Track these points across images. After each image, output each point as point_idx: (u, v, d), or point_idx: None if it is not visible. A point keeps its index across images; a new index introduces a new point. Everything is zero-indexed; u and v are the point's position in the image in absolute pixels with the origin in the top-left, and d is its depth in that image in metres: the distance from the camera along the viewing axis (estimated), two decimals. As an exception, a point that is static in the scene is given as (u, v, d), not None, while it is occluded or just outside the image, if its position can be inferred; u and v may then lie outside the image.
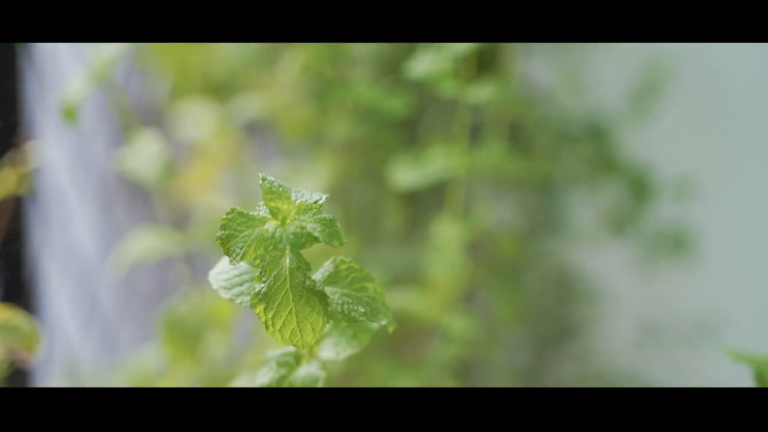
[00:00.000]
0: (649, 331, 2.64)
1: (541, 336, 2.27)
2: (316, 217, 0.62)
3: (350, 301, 0.65)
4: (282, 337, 0.62)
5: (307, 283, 0.62)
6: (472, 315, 1.22)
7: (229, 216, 0.61)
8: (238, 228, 0.61)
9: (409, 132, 1.49)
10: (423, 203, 1.47)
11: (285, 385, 0.67)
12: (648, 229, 1.80)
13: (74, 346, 1.70)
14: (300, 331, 0.62)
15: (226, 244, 0.61)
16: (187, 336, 1.22)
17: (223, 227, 0.61)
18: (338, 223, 0.62)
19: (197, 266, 1.40)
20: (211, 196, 1.46)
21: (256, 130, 1.63)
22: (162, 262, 1.57)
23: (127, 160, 1.25)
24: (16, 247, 1.51)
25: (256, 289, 0.62)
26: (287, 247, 0.60)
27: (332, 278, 0.66)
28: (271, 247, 0.61)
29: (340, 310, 0.64)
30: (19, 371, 1.49)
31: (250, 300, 0.62)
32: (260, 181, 0.63)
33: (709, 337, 2.58)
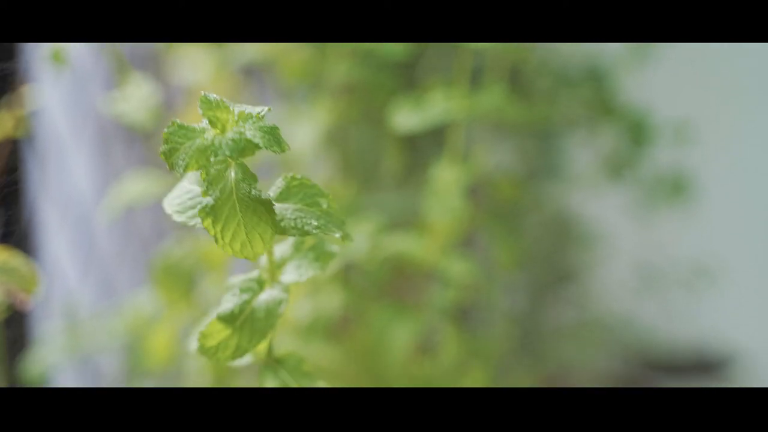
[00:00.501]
0: (647, 276, 2.65)
1: (539, 280, 2.28)
2: (256, 125, 0.61)
3: (303, 216, 0.64)
4: (232, 249, 0.61)
5: (253, 193, 0.61)
6: (470, 259, 1.21)
7: (170, 129, 0.60)
8: (179, 140, 0.60)
9: (409, 75, 1.48)
10: (422, 147, 1.47)
11: (248, 311, 0.67)
12: (646, 173, 1.80)
13: (72, 289, 1.70)
14: (250, 242, 0.61)
15: (170, 158, 0.60)
16: (181, 280, 1.22)
17: (165, 141, 0.60)
18: (279, 131, 0.61)
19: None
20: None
21: (254, 74, 1.62)
22: (159, 205, 1.57)
23: (117, 103, 1.24)
24: (13, 190, 1.51)
25: (203, 204, 0.62)
26: (227, 154, 0.59)
27: (284, 194, 0.66)
28: (212, 157, 0.60)
29: (293, 224, 0.63)
30: (17, 313, 1.49)
31: (198, 213, 0.62)
32: (199, 100, 0.62)
33: (706, 281, 2.59)
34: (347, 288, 1.21)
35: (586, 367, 2.35)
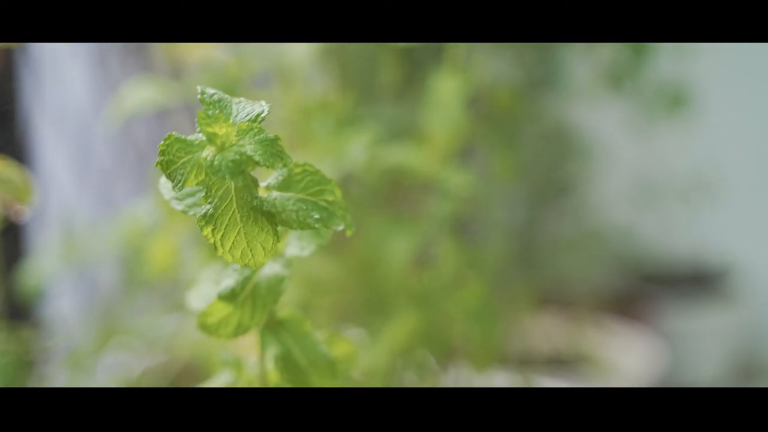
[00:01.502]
0: (645, 189, 2.65)
1: (537, 193, 2.28)
2: (257, 138, 0.59)
3: (305, 207, 0.62)
4: (233, 257, 0.60)
5: (255, 202, 0.60)
6: (469, 171, 1.21)
7: (167, 142, 0.59)
8: (177, 154, 0.59)
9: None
10: (420, 58, 1.45)
11: (249, 288, 0.66)
12: (646, 85, 1.78)
13: (69, 200, 1.70)
14: (251, 251, 0.60)
15: (167, 170, 0.59)
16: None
17: (162, 153, 0.59)
18: (281, 143, 0.59)
19: (194, 118, 1.39)
20: (208, 47, 1.44)
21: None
22: (158, 114, 1.56)
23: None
24: (7, 101, 1.50)
25: (203, 211, 0.60)
26: (227, 176, 0.58)
27: (286, 183, 0.63)
28: (211, 174, 0.59)
29: (294, 217, 0.62)
30: (13, 225, 1.48)
31: (197, 221, 0.60)
32: (198, 96, 0.60)
33: (704, 194, 2.58)
34: (346, 200, 1.21)
35: (584, 280, 2.36)
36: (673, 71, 1.75)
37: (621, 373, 2.05)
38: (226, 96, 0.62)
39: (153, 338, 1.43)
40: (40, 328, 1.51)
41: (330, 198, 0.63)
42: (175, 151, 0.59)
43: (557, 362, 2.11)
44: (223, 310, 0.66)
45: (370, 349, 1.17)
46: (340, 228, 0.63)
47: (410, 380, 1.26)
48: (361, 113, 1.31)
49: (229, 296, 0.66)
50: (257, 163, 0.58)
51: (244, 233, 0.60)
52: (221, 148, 0.59)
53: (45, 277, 1.31)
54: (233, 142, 0.59)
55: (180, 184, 0.59)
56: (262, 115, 0.60)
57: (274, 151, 0.59)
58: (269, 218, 0.60)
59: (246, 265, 0.61)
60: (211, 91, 0.61)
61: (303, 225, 0.62)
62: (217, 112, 0.60)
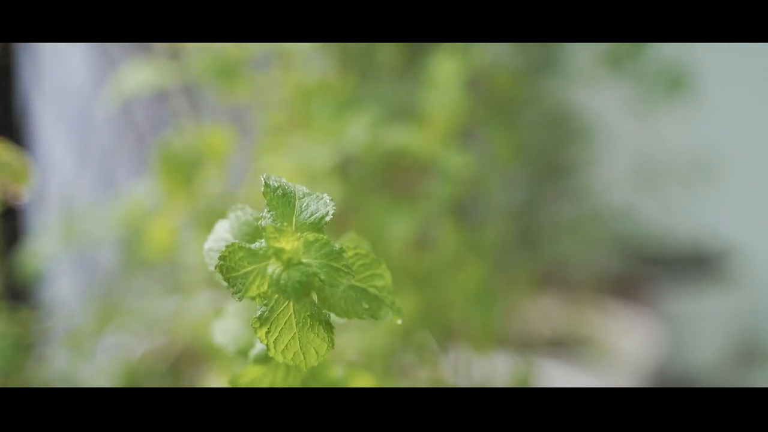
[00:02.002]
0: (646, 171, 2.64)
1: (537, 175, 2.27)
2: (322, 251, 0.58)
3: (354, 296, 0.61)
4: (284, 357, 0.59)
5: (313, 310, 0.59)
6: (469, 152, 1.21)
7: (230, 249, 0.58)
8: (239, 263, 0.58)
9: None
10: (420, 39, 1.45)
11: None
12: (647, 67, 1.78)
13: (69, 181, 1.70)
14: (303, 354, 0.59)
15: (228, 276, 0.58)
16: (181, 170, 1.21)
17: (222, 258, 0.58)
18: (344, 255, 0.58)
19: (194, 98, 1.38)
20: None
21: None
22: (157, 96, 1.55)
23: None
24: (4, 82, 1.49)
25: (258, 312, 0.59)
26: (291, 297, 0.57)
27: None
28: (276, 291, 0.58)
29: (343, 305, 0.61)
30: (12, 207, 1.48)
31: (252, 323, 0.59)
32: (262, 190, 0.59)
33: (705, 177, 2.58)
34: (346, 181, 1.20)
35: (584, 262, 2.36)
36: (674, 53, 1.75)
37: (621, 356, 2.05)
38: (290, 188, 0.60)
39: (152, 320, 1.43)
40: (39, 310, 1.51)
41: (380, 283, 0.62)
42: (237, 259, 0.58)
43: (557, 344, 2.11)
44: (257, 372, 0.66)
45: (369, 330, 1.17)
46: (388, 318, 0.62)
47: (410, 361, 1.26)
48: (360, 94, 1.31)
49: (264, 360, 0.65)
50: (322, 281, 0.58)
51: (299, 338, 0.59)
52: (287, 264, 0.58)
53: (44, 259, 1.31)
54: (299, 258, 0.58)
55: (241, 294, 0.58)
56: (327, 218, 0.59)
57: (339, 267, 0.58)
58: (326, 326, 0.59)
59: (297, 365, 0.60)
60: (275, 183, 0.60)
61: (350, 314, 0.61)
62: (281, 210, 0.59)
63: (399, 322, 0.63)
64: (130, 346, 1.43)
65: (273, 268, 0.58)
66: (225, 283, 0.58)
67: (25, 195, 0.97)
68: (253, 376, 0.66)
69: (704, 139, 2.63)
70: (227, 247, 0.58)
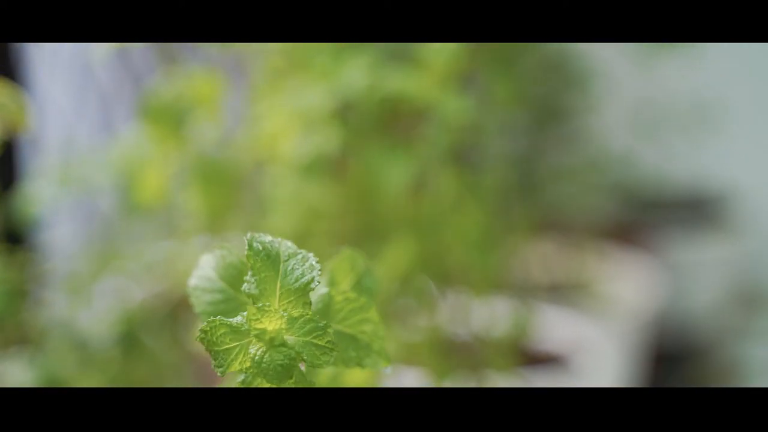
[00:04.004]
0: (645, 116, 2.63)
1: (537, 120, 2.26)
2: (307, 327, 0.57)
3: (343, 344, 0.61)
4: None
5: (296, 381, 0.59)
6: (468, 98, 1.20)
7: (211, 325, 0.57)
8: (221, 338, 0.57)
9: None
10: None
11: None
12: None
13: (67, 125, 1.69)
14: None
15: (209, 349, 0.57)
16: (170, 118, 1.20)
17: (203, 332, 0.57)
18: (331, 330, 0.57)
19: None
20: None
21: None
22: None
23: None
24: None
25: (240, 379, 0.59)
26: (273, 381, 0.57)
27: (324, 312, 0.62)
28: (258, 373, 0.57)
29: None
30: (9, 150, 1.48)
31: (237, 383, 0.59)
32: (246, 251, 0.59)
33: (705, 122, 2.57)
34: (344, 126, 1.20)
35: (584, 208, 2.35)
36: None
37: (620, 301, 2.05)
38: (274, 250, 0.59)
39: (150, 264, 1.43)
40: (36, 254, 1.51)
41: (369, 328, 0.62)
42: (219, 334, 0.58)
43: (556, 289, 2.11)
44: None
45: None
46: (379, 367, 0.62)
47: (409, 307, 1.26)
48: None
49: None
50: (305, 361, 0.57)
51: None
52: (269, 345, 0.58)
53: (42, 203, 1.31)
54: (281, 338, 0.58)
55: (223, 369, 0.58)
56: (312, 285, 0.58)
57: (323, 345, 0.57)
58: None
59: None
60: (258, 246, 0.59)
61: (337, 363, 0.61)
62: (264, 275, 0.58)
63: (388, 370, 0.62)
64: (127, 291, 1.43)
65: (255, 348, 0.58)
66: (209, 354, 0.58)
67: (21, 135, 0.97)
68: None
69: (704, 84, 2.62)
70: (208, 322, 0.57)
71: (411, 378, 1.26)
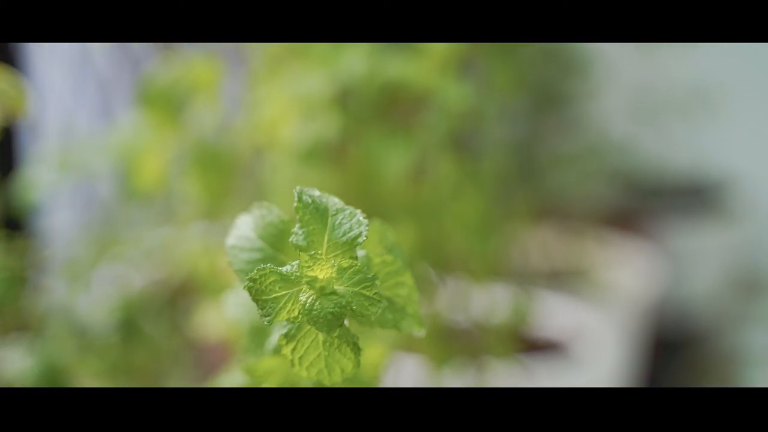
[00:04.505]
0: (645, 102, 2.63)
1: (537, 106, 2.26)
2: (356, 278, 0.57)
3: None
4: (308, 373, 0.59)
5: (341, 332, 0.59)
6: (467, 83, 1.19)
7: (261, 273, 0.57)
8: (270, 287, 0.57)
9: None
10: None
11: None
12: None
13: (66, 110, 1.69)
14: (328, 371, 0.59)
15: (257, 298, 0.57)
16: (167, 103, 1.20)
17: (251, 281, 0.57)
18: (376, 282, 0.58)
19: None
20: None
21: None
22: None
23: None
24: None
25: (284, 330, 0.59)
26: (323, 329, 0.56)
27: None
28: (308, 320, 0.57)
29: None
30: (8, 136, 1.47)
31: (278, 340, 0.59)
32: (295, 204, 0.59)
33: (704, 108, 2.57)
34: (344, 112, 1.19)
35: (583, 194, 2.35)
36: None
37: (619, 288, 2.05)
38: (323, 204, 0.60)
39: (149, 250, 1.43)
40: (35, 240, 1.51)
41: (404, 291, 0.62)
42: (269, 282, 0.57)
43: (556, 276, 2.11)
44: (274, 362, 0.65)
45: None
46: (413, 330, 0.62)
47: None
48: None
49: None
50: (353, 311, 0.57)
51: (325, 357, 0.59)
52: (320, 293, 0.57)
53: (41, 189, 1.31)
54: (332, 287, 0.58)
55: (271, 318, 0.57)
56: (360, 239, 0.58)
57: (371, 296, 0.57)
58: (354, 348, 0.59)
59: (319, 381, 0.59)
60: (307, 199, 0.59)
61: (375, 324, 0.61)
62: (312, 227, 0.59)
63: (421, 333, 0.62)
64: (127, 277, 1.42)
65: (306, 296, 0.57)
66: (254, 303, 0.58)
67: (20, 120, 0.96)
68: (270, 366, 0.66)
69: (704, 70, 2.61)
70: (258, 270, 0.57)
71: (411, 365, 1.26)
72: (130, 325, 1.34)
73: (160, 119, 1.20)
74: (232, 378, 0.73)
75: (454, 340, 1.31)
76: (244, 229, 0.64)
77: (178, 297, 1.43)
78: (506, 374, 1.37)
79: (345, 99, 1.20)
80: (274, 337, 0.66)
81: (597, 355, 1.60)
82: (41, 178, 1.30)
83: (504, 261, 1.48)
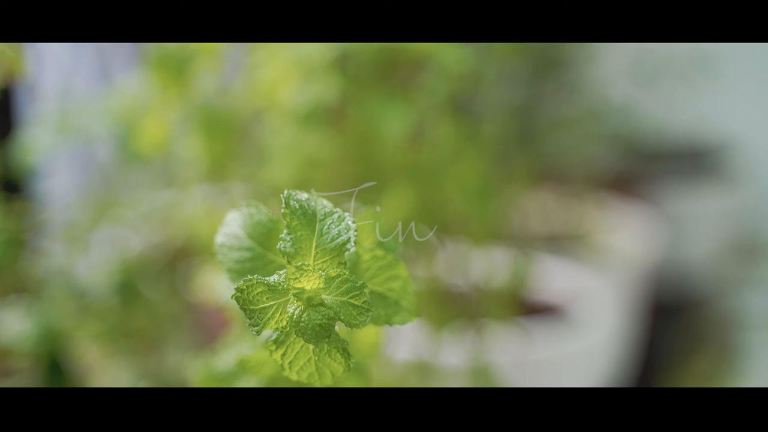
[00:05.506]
0: (644, 65, 2.62)
1: (535, 70, 2.25)
2: (344, 288, 0.57)
3: (372, 300, 0.61)
4: (298, 377, 0.59)
5: (331, 338, 0.58)
6: (466, 46, 1.19)
7: (248, 284, 0.57)
8: (258, 297, 0.57)
9: None
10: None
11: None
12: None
13: (65, 73, 1.68)
14: (319, 375, 0.59)
15: (245, 308, 0.57)
16: (173, 65, 1.19)
17: (239, 291, 0.57)
18: (367, 290, 0.57)
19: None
20: None
21: None
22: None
23: None
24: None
25: (272, 337, 0.58)
26: (311, 340, 0.56)
27: (352, 271, 0.61)
28: (295, 332, 0.57)
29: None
30: (5, 98, 1.47)
31: (267, 346, 0.58)
32: (282, 210, 0.58)
33: (704, 71, 2.56)
34: (343, 75, 1.19)
35: (582, 158, 2.35)
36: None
37: (618, 251, 2.06)
38: (311, 208, 0.59)
39: (148, 213, 1.43)
40: (34, 203, 1.51)
41: (397, 285, 0.62)
42: (256, 293, 0.57)
43: (555, 239, 2.11)
44: (266, 353, 0.65)
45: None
46: (408, 324, 0.62)
47: (408, 256, 1.26)
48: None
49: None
50: (341, 321, 0.57)
51: (315, 361, 0.59)
52: (307, 304, 0.57)
53: (39, 152, 1.30)
54: (319, 297, 0.57)
55: (259, 329, 0.57)
56: (349, 246, 0.58)
57: (360, 305, 0.57)
58: (344, 353, 0.58)
59: (310, 384, 0.59)
60: (295, 204, 0.59)
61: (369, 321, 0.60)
62: (300, 233, 0.58)
63: (412, 320, 0.62)
64: (126, 240, 1.42)
65: (293, 308, 0.57)
66: (244, 316, 0.58)
67: (18, 81, 0.96)
68: (263, 358, 0.66)
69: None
70: (245, 281, 0.57)
71: (410, 328, 1.26)
72: (129, 288, 1.34)
73: (164, 81, 1.20)
74: (232, 353, 0.73)
75: (453, 304, 1.31)
76: (233, 226, 0.64)
77: (178, 260, 1.43)
78: (505, 337, 1.38)
79: (344, 62, 1.19)
80: (266, 334, 0.65)
81: (596, 319, 1.60)
82: (40, 141, 1.30)
83: (503, 224, 1.48)
